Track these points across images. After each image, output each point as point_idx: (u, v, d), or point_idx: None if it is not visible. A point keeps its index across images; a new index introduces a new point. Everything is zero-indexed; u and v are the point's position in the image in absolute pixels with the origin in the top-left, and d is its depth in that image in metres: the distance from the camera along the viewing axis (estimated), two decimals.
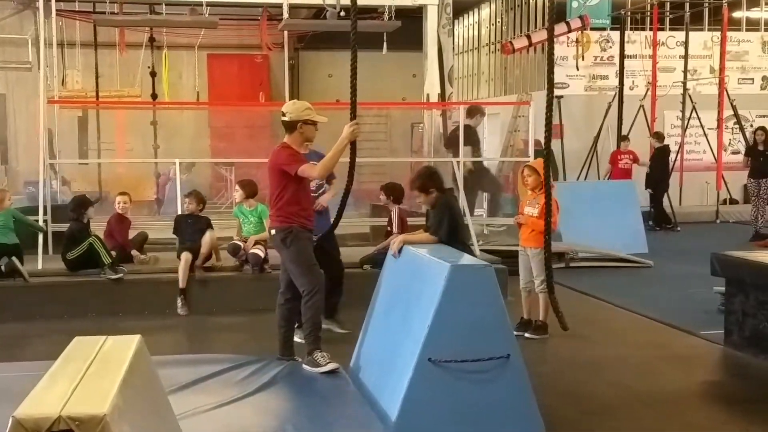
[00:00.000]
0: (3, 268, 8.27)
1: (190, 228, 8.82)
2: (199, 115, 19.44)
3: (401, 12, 12.95)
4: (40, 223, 9.31)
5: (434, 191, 6.05)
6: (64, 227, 8.95)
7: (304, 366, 5.83)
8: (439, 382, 4.65)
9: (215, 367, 5.76)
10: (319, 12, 12.98)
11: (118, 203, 9.16)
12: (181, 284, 8.40)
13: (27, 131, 16.96)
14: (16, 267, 8.29)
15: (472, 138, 11.77)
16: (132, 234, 9.32)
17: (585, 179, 16.21)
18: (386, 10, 11.24)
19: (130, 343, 3.23)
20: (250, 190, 8.73)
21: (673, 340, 7.41)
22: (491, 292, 4.74)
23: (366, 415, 4.87)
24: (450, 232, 5.81)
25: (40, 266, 8.66)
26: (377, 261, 8.63)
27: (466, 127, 11.39)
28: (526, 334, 7.31)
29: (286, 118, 5.96)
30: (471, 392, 4.68)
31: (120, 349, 3.15)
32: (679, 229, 14.74)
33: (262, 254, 8.53)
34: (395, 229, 8.27)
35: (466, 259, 5.08)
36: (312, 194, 6.97)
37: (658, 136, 15.26)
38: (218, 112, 19.13)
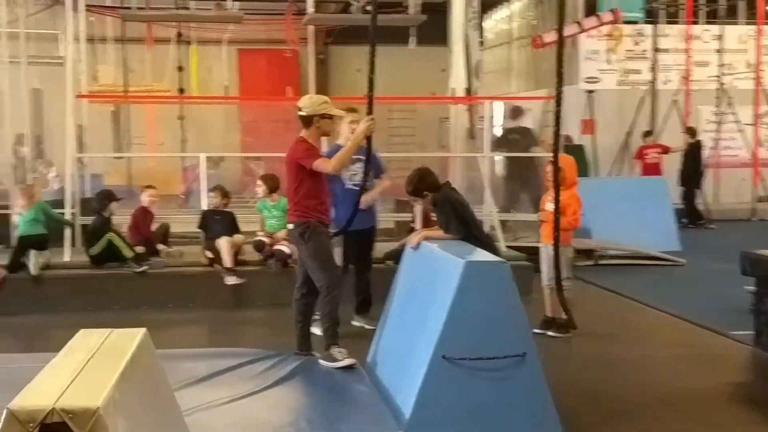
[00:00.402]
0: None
1: (218, 224, 8.80)
2: (229, 110, 19.51)
3: (429, 6, 12.86)
4: (68, 216, 9.36)
5: (428, 193, 5.93)
6: (89, 220, 9.01)
7: (321, 361, 5.80)
8: (453, 380, 4.59)
9: (232, 361, 5.76)
10: (347, 6, 12.93)
11: (147, 196, 9.18)
12: (229, 264, 8.44)
13: (60, 126, 17.10)
14: (25, 261, 8.36)
15: (531, 138, 12.10)
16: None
17: (617, 175, 16.00)
18: (411, 3, 11.14)
19: (134, 336, 3.21)
20: (273, 185, 8.72)
21: (702, 340, 7.27)
22: (507, 289, 4.66)
23: (380, 411, 4.82)
24: (461, 226, 5.68)
25: (66, 258, 8.72)
26: (400, 257, 8.59)
27: (524, 128, 11.48)
28: (549, 333, 7.21)
29: (302, 113, 5.94)
30: (485, 390, 4.62)
31: (123, 342, 3.13)
32: (713, 226, 14.51)
33: (288, 250, 8.50)
34: (419, 225, 8.21)
35: (482, 255, 5.00)
36: (354, 188, 6.87)
37: (691, 132, 15.03)
38: (248, 107, 19.17)
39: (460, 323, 4.59)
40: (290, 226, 6.00)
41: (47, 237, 8.67)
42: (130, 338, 3.19)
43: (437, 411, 4.59)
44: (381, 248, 9.09)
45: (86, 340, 3.16)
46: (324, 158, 5.89)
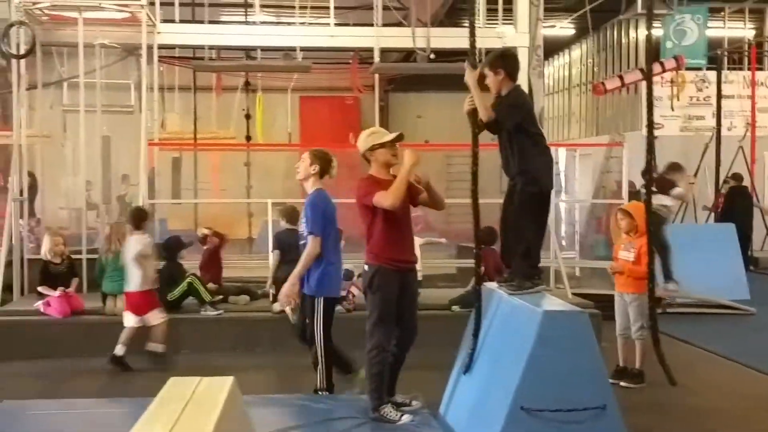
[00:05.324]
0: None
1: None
2: (291, 156, 19.74)
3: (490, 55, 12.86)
4: None
5: (502, 72, 5.39)
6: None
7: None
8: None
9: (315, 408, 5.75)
10: (408, 55, 13.07)
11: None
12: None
13: (128, 172, 17.47)
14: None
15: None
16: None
17: (681, 222, 15.77)
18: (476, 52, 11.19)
19: (224, 385, 3.25)
20: None
21: None
22: (586, 339, 4.63)
23: None
24: (519, 120, 5.35)
25: None
26: (466, 301, 8.60)
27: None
28: (622, 383, 7.10)
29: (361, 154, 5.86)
30: None
31: (214, 391, 3.17)
32: None
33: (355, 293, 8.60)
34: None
35: (559, 304, 4.97)
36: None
37: (736, 177, 14.82)
38: None
39: (539, 373, 4.56)
40: (365, 267, 5.82)
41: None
42: (220, 387, 3.23)
43: None
44: (446, 294, 9.13)
45: (177, 389, 3.20)
46: (382, 192, 5.51)
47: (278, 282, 8.32)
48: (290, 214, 8.71)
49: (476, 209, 5.40)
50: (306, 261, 6.15)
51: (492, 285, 5.72)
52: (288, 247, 8.36)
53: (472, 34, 5.51)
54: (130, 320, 7.90)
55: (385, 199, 5.49)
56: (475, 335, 5.39)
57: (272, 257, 8.55)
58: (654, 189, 11.13)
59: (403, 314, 5.76)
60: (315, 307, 6.20)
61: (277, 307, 8.32)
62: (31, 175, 11.13)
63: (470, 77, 5.36)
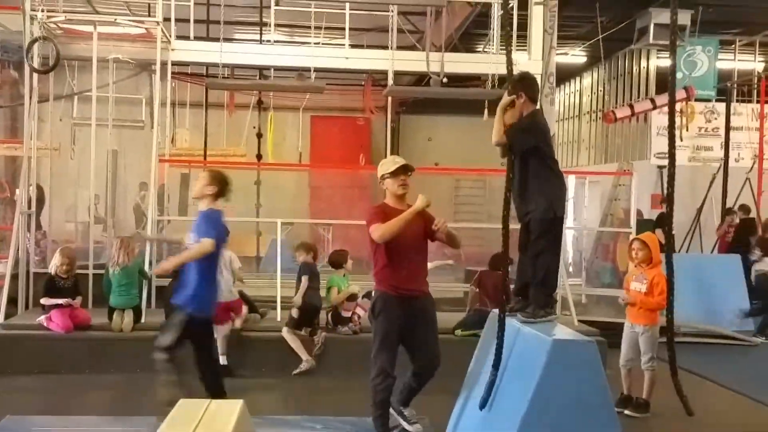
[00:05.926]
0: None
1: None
2: (300, 175, 19.80)
3: (506, 79, 12.87)
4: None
5: (523, 96, 5.38)
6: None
7: None
8: None
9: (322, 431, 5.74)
10: (421, 78, 13.12)
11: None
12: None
13: (135, 186, 17.53)
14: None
15: None
16: None
17: (687, 252, 15.76)
18: (489, 78, 11.27)
19: (233, 408, 3.26)
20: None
21: None
22: (594, 369, 4.63)
23: None
24: (533, 144, 5.36)
25: (143, 320, 8.86)
26: (468, 324, 8.63)
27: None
28: (626, 411, 7.10)
29: None
30: None
31: (223, 415, 3.18)
32: None
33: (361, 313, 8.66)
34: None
35: (569, 333, 4.97)
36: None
37: (744, 209, 14.81)
38: (318, 173, 19.40)
39: (547, 402, 4.55)
40: (373, 293, 5.88)
41: (140, 307, 8.95)
42: (229, 410, 3.24)
43: None
44: (452, 318, 9.10)
45: (187, 412, 3.21)
46: (377, 224, 5.54)
47: (306, 306, 8.58)
48: (309, 249, 9.06)
49: (506, 236, 5.25)
50: (194, 253, 5.85)
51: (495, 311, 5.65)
52: (316, 276, 8.81)
53: (509, 53, 5.53)
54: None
55: (375, 231, 5.54)
56: (496, 366, 5.10)
57: (303, 281, 8.62)
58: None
59: (416, 343, 5.75)
60: (178, 317, 5.95)
61: (285, 332, 8.54)
62: (39, 188, 11.14)
63: (503, 99, 5.41)
